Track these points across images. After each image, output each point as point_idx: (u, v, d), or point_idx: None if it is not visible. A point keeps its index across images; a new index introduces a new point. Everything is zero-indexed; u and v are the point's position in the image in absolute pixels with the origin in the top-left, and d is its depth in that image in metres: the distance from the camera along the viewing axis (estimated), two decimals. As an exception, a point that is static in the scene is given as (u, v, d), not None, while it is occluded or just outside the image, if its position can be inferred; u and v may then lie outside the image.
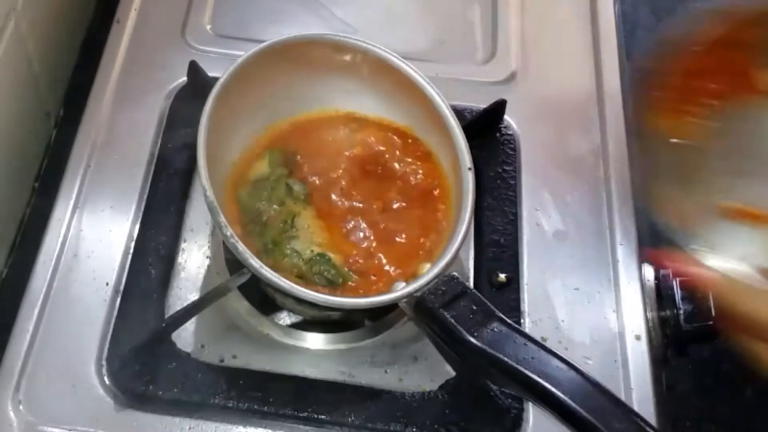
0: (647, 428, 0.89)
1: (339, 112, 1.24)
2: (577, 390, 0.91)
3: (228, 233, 1.02)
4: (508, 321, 1.01)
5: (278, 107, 1.22)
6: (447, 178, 1.18)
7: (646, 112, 1.20)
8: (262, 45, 1.15)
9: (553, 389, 0.91)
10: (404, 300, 1.03)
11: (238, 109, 1.16)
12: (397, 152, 1.21)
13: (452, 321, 0.99)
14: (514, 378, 0.95)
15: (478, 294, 1.02)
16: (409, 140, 1.22)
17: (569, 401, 0.90)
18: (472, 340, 0.97)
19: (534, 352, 0.96)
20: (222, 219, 1.02)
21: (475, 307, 1.00)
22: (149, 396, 1.09)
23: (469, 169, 1.11)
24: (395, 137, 1.23)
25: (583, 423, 0.89)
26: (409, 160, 1.21)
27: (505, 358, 0.95)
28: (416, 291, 1.02)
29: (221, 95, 1.10)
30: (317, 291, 1.05)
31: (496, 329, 0.98)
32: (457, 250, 1.05)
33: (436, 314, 1.00)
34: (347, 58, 1.20)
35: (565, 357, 0.95)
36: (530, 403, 1.12)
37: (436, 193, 1.18)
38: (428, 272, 1.03)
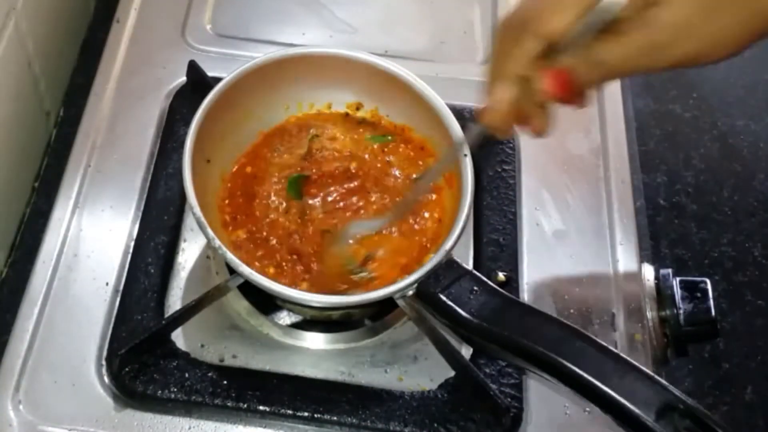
0: (649, 379, 0.89)
1: (330, 112, 1.26)
2: (577, 352, 0.93)
3: (216, 245, 1.04)
4: (509, 296, 1.03)
5: (275, 108, 1.24)
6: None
7: None
8: (243, 67, 1.17)
9: (552, 355, 0.93)
10: (407, 291, 1.04)
11: (229, 122, 1.19)
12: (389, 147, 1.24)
13: (450, 303, 1.01)
14: (514, 350, 0.97)
15: (478, 274, 1.04)
16: (404, 136, 1.24)
17: (570, 365, 0.92)
18: (470, 318, 1.00)
19: (535, 322, 0.98)
20: (210, 232, 1.04)
21: (475, 287, 1.02)
22: (149, 395, 1.09)
23: (465, 155, 1.12)
24: (388, 135, 1.25)
25: (582, 384, 0.91)
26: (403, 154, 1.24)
27: (504, 332, 0.97)
28: (416, 281, 1.03)
29: (209, 113, 1.13)
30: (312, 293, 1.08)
31: (495, 305, 1.01)
32: (457, 237, 1.06)
33: (435, 298, 1.02)
34: (329, 65, 1.22)
35: (567, 322, 0.97)
36: (530, 403, 1.13)
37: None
38: (429, 261, 1.04)
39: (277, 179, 1.20)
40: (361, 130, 1.25)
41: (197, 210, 1.05)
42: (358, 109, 1.25)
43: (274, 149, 1.23)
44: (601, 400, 0.90)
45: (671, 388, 0.89)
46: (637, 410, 0.88)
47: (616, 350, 0.93)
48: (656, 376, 0.90)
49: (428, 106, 1.17)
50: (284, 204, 1.18)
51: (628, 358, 0.92)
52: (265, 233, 1.16)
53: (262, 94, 1.21)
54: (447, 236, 1.07)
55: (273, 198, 1.19)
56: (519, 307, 1.02)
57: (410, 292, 1.04)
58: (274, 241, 1.16)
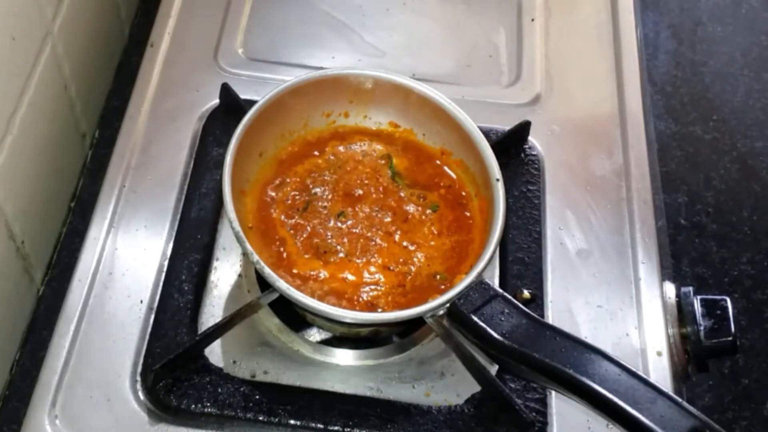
0: (677, 404, 0.90)
1: (361, 128, 1.28)
2: (606, 375, 0.93)
3: (255, 259, 1.05)
4: (540, 319, 1.03)
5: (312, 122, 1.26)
6: (475, 195, 1.21)
7: None
8: (282, 86, 1.19)
9: (582, 378, 0.94)
10: (438, 310, 1.05)
11: (264, 136, 1.20)
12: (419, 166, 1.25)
13: (482, 324, 1.01)
14: (544, 372, 0.97)
15: (508, 296, 1.04)
16: (438, 155, 1.25)
17: (600, 389, 0.92)
18: (502, 339, 1.00)
19: (565, 345, 0.98)
20: (248, 247, 1.05)
21: (505, 309, 1.03)
22: (183, 410, 1.10)
23: (498, 180, 1.13)
24: (423, 154, 1.26)
25: (612, 407, 0.91)
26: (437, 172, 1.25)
27: (535, 354, 0.98)
28: (448, 301, 1.04)
29: (247, 129, 1.15)
30: (347, 309, 1.09)
31: (525, 327, 1.01)
32: (489, 259, 1.07)
33: (466, 319, 1.02)
34: (367, 86, 1.24)
35: (594, 345, 0.97)
36: (554, 417, 1.14)
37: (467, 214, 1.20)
38: (461, 282, 1.05)
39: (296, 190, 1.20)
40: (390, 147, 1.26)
41: (236, 224, 1.06)
42: (394, 127, 1.26)
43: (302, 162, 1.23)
44: (630, 423, 0.90)
45: (699, 414, 0.89)
46: (666, 435, 0.88)
47: (645, 375, 0.93)
48: (684, 402, 0.90)
49: (462, 131, 1.19)
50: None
51: (657, 384, 0.92)
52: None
53: (299, 113, 1.23)
54: (478, 259, 1.08)
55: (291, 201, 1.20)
56: (549, 329, 1.02)
57: (441, 312, 1.05)
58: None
